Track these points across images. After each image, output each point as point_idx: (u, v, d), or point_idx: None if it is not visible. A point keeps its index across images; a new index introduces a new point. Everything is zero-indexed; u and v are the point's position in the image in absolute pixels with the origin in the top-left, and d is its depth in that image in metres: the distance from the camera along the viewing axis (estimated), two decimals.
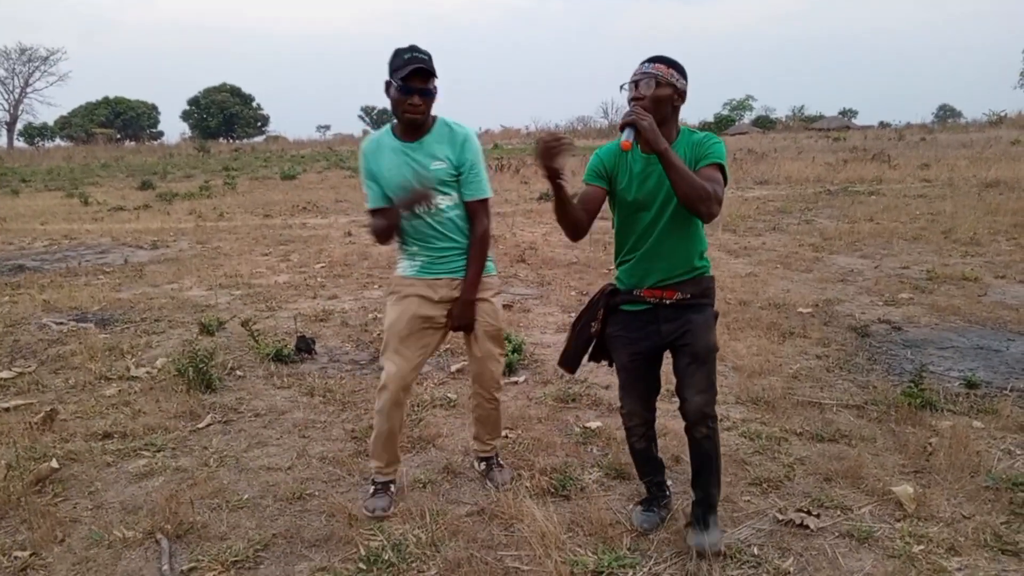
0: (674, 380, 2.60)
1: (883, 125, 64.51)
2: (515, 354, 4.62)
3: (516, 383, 4.43)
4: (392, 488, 3.03)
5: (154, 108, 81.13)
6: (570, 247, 9.68)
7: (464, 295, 2.88)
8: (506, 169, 23.29)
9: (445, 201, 2.82)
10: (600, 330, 2.72)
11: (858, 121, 78.09)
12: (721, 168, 2.42)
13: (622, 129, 2.33)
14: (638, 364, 2.67)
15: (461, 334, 3.03)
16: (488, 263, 2.94)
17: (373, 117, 79.68)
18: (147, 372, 4.74)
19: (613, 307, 2.69)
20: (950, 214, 11.32)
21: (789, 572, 2.47)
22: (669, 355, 2.66)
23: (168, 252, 10.11)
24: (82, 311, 6.53)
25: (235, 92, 76.48)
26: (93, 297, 7.08)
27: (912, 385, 3.91)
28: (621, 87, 2.53)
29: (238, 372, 4.73)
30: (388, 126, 2.88)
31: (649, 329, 2.59)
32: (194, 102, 75.46)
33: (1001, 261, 7.93)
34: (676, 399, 2.63)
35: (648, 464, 2.84)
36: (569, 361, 2.85)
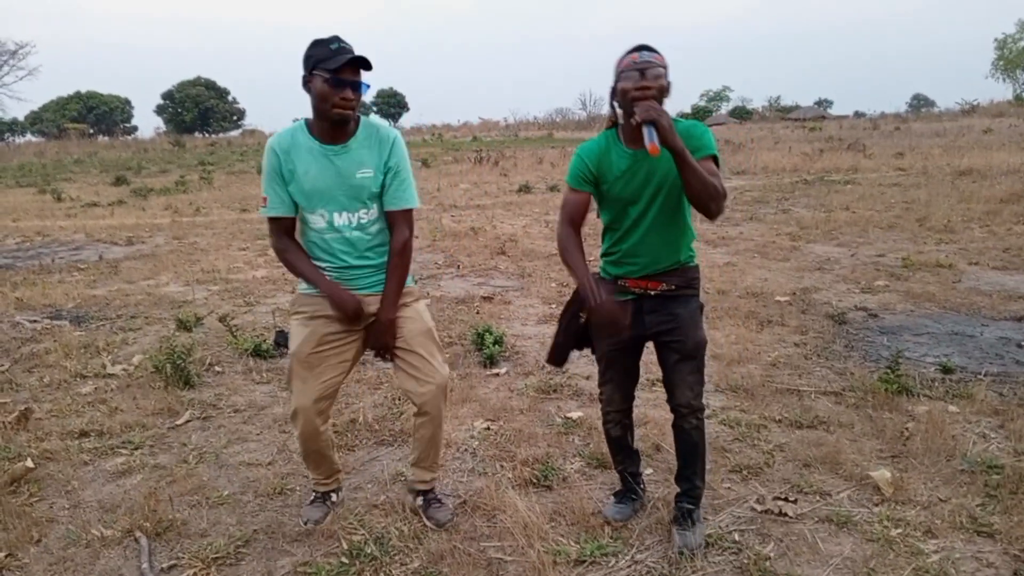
0: (655, 370, 2.60)
1: (858, 115, 65.14)
2: (496, 346, 4.61)
3: (497, 375, 4.43)
4: (334, 497, 2.90)
5: (127, 103, 79.92)
6: (551, 238, 9.67)
7: (383, 314, 2.55)
8: (485, 161, 23.23)
9: (366, 215, 2.55)
10: (588, 320, 2.68)
11: (833, 111, 78.73)
12: (715, 160, 2.39)
13: (638, 127, 2.22)
14: (619, 353, 2.65)
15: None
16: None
17: None
18: (124, 369, 4.68)
19: None
20: (925, 202, 11.45)
21: (770, 558, 2.49)
22: (651, 345, 2.65)
23: (144, 248, 9.98)
24: (56, 308, 6.43)
25: (210, 86, 75.44)
26: (67, 294, 6.97)
27: (888, 371, 3.96)
28: (620, 75, 2.36)
29: (216, 368, 4.68)
30: (300, 123, 2.53)
31: (632, 319, 2.55)
32: (168, 96, 74.35)
33: (975, 248, 8.04)
34: (656, 388, 2.64)
35: (622, 452, 2.83)
36: (558, 356, 2.78)
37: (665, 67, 2.37)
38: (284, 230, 2.58)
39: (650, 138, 2.19)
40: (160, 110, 75.17)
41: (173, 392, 4.21)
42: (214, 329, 5.48)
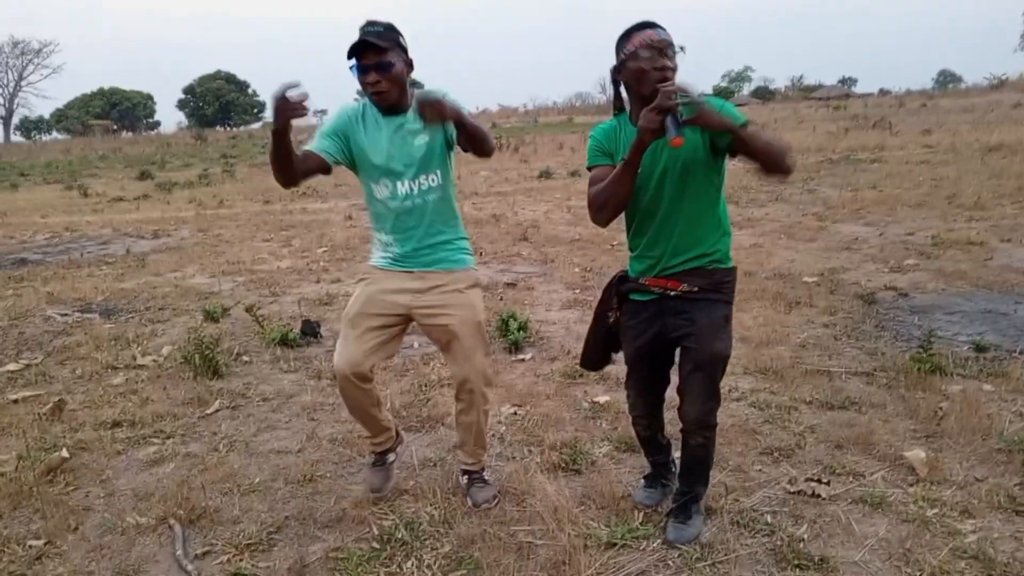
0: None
1: (883, 92, 64.05)
2: (521, 332, 4.60)
3: (523, 360, 4.42)
4: (390, 458, 2.94)
5: (150, 98, 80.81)
6: (573, 224, 9.65)
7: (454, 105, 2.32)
8: (505, 148, 23.17)
9: (427, 182, 2.56)
10: (618, 319, 2.55)
11: (858, 89, 77.50)
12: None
13: (663, 114, 2.02)
14: (642, 358, 2.51)
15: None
16: (466, 256, 2.69)
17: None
18: (153, 360, 4.74)
19: (623, 295, 2.52)
20: (954, 179, 11.24)
21: (803, 539, 2.46)
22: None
23: (170, 241, 10.09)
24: (86, 302, 6.52)
25: (230, 79, 76.00)
26: (97, 288, 7.06)
27: (921, 350, 3.89)
28: (632, 54, 2.21)
29: (244, 358, 4.72)
30: (365, 103, 2.60)
31: (654, 322, 2.40)
32: (189, 91, 75.02)
33: (1006, 225, 7.88)
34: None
35: (651, 446, 2.77)
36: (591, 359, 2.70)
37: (672, 41, 2.25)
38: (307, 159, 2.50)
39: (674, 129, 2.01)
40: (182, 104, 75.91)
41: (202, 382, 4.26)
42: (241, 319, 5.52)
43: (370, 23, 2.45)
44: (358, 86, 2.50)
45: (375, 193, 2.60)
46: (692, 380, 2.37)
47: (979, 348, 4.15)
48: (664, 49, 2.19)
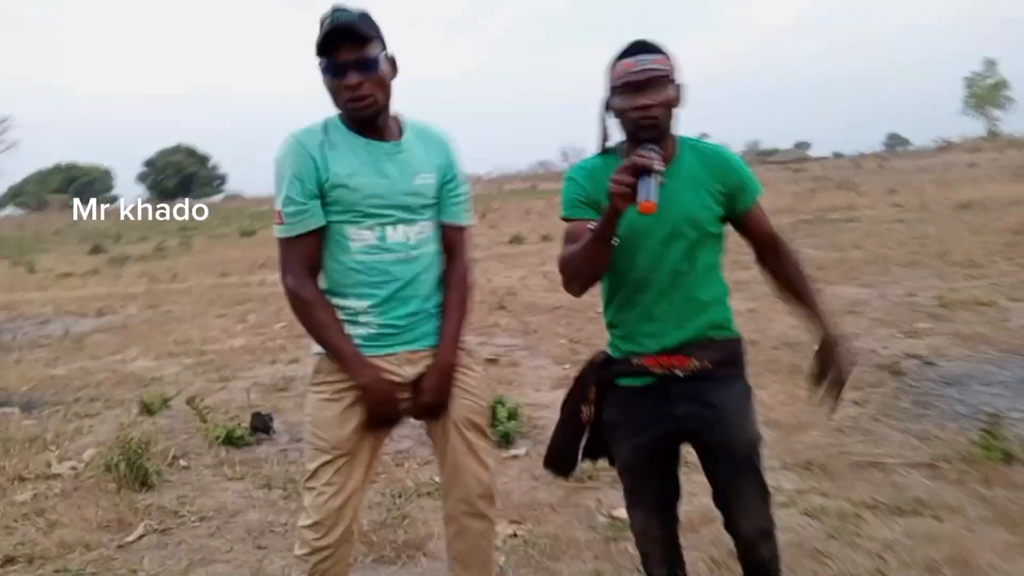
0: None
1: (837, 155, 65.91)
2: (511, 421, 3.93)
3: (516, 457, 3.74)
4: None
5: (108, 173, 79.88)
6: (551, 290, 9.08)
7: (442, 355, 1.97)
8: (473, 214, 22.80)
9: (419, 233, 1.98)
10: (594, 416, 1.96)
11: (812, 153, 79.78)
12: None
13: (635, 175, 1.61)
14: (645, 462, 1.95)
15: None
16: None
17: None
18: (72, 468, 3.95)
19: (607, 382, 1.95)
20: (937, 237, 10.99)
21: None
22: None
23: (115, 319, 9.29)
24: (8, 393, 5.69)
25: (191, 153, 75.67)
26: (24, 376, 6.25)
27: (986, 435, 3.31)
28: (612, 92, 1.80)
29: (182, 462, 3.96)
30: (330, 118, 1.95)
31: (658, 412, 1.88)
32: (150, 164, 74.42)
33: (1008, 283, 7.49)
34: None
35: None
36: (558, 462, 2.10)
37: (669, 71, 1.77)
38: (308, 259, 1.93)
39: (644, 192, 1.58)
40: (142, 178, 75.04)
41: (127, 496, 3.49)
42: (183, 412, 4.76)
43: (339, 8, 1.83)
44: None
45: (350, 241, 1.92)
46: (737, 484, 1.88)
47: None
48: (644, 84, 1.74)
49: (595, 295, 2.02)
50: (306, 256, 1.92)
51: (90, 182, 77.12)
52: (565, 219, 1.91)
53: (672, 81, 1.79)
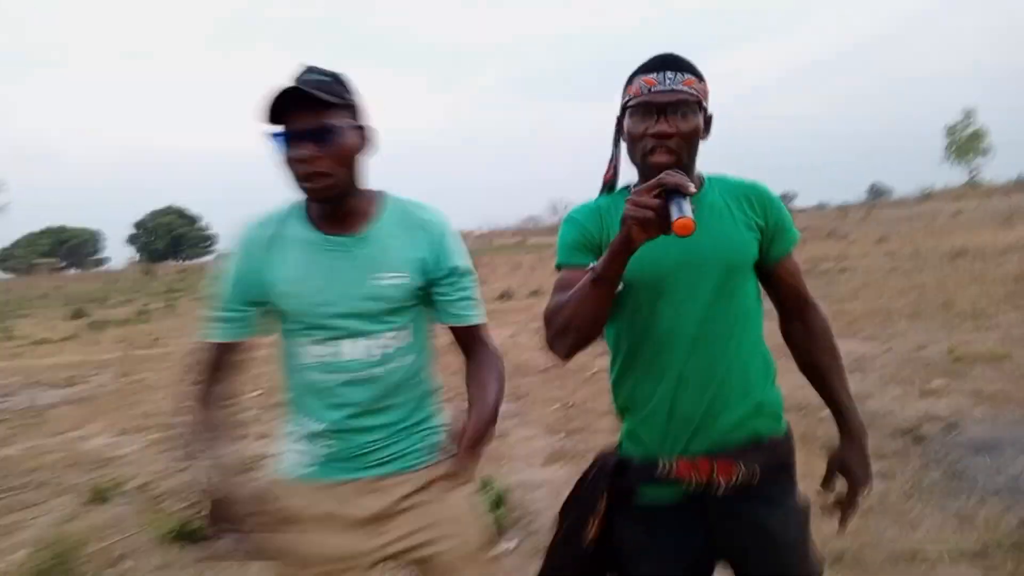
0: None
1: (821, 206, 66.62)
2: (500, 508, 3.50)
3: (507, 552, 3.30)
4: None
5: (96, 235, 79.83)
6: (543, 349, 8.70)
7: (480, 417, 1.42)
8: None
9: (385, 347, 1.59)
10: (599, 534, 1.56)
11: (796, 204, 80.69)
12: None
13: (665, 196, 1.24)
14: None
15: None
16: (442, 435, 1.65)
17: None
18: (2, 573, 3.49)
19: (622, 495, 1.55)
20: (936, 286, 10.71)
21: None
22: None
23: (84, 389, 8.81)
24: None
25: (181, 213, 75.84)
26: None
27: None
28: (625, 112, 1.50)
29: (127, 562, 3.50)
30: (296, 204, 1.63)
31: (692, 538, 1.51)
32: (140, 225, 74.47)
33: (1020, 334, 7.15)
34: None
35: None
36: None
37: (698, 95, 1.45)
38: (213, 364, 1.63)
39: (678, 210, 1.22)
40: (132, 239, 74.98)
41: None
42: (138, 498, 4.31)
43: (310, 68, 1.51)
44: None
45: (300, 357, 1.62)
46: None
47: None
48: (666, 106, 1.43)
49: (590, 354, 1.65)
50: (214, 366, 1.62)
51: (79, 244, 76.99)
52: (560, 267, 1.57)
53: (702, 109, 1.47)
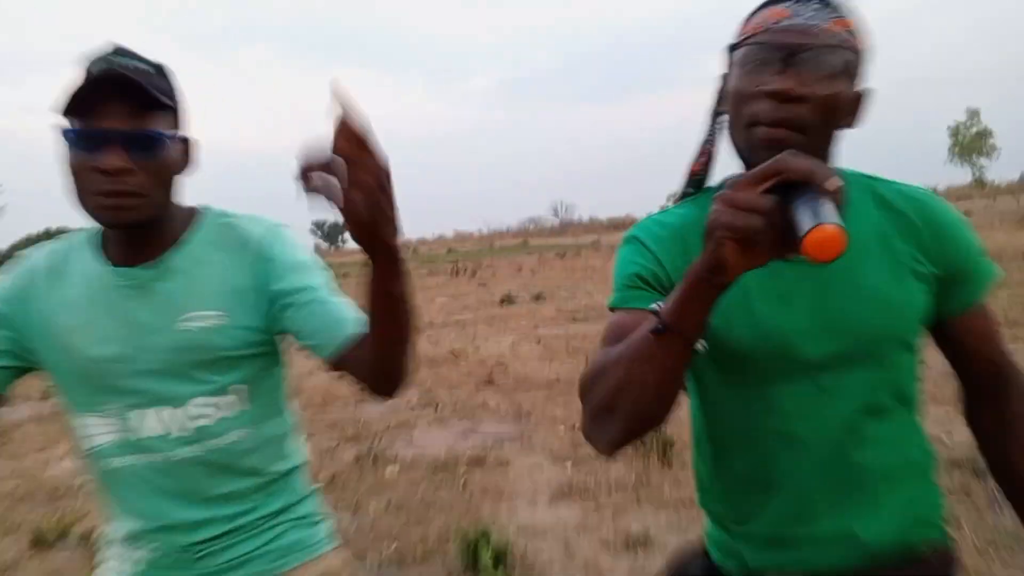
0: None
1: None
2: (498, 567, 2.97)
3: None
4: None
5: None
6: (546, 359, 8.18)
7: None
8: (462, 273, 22.14)
9: (216, 408, 1.18)
10: None
11: None
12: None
13: (784, 194, 0.73)
14: None
15: None
16: (316, 528, 1.30)
17: (325, 231, 78.36)
18: None
19: None
20: None
21: None
22: None
23: (57, 403, 8.29)
24: None
25: None
26: None
27: None
28: (732, 64, 0.98)
29: None
30: (87, 234, 1.27)
31: None
32: None
33: None
34: None
35: None
36: None
37: (850, 43, 0.94)
38: None
39: (813, 216, 0.69)
40: None
41: None
42: (86, 543, 3.78)
43: (122, 51, 1.12)
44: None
45: (87, 436, 1.22)
46: None
47: None
48: (800, 49, 0.90)
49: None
50: None
51: None
52: (613, 308, 1.04)
53: (852, 74, 0.94)
